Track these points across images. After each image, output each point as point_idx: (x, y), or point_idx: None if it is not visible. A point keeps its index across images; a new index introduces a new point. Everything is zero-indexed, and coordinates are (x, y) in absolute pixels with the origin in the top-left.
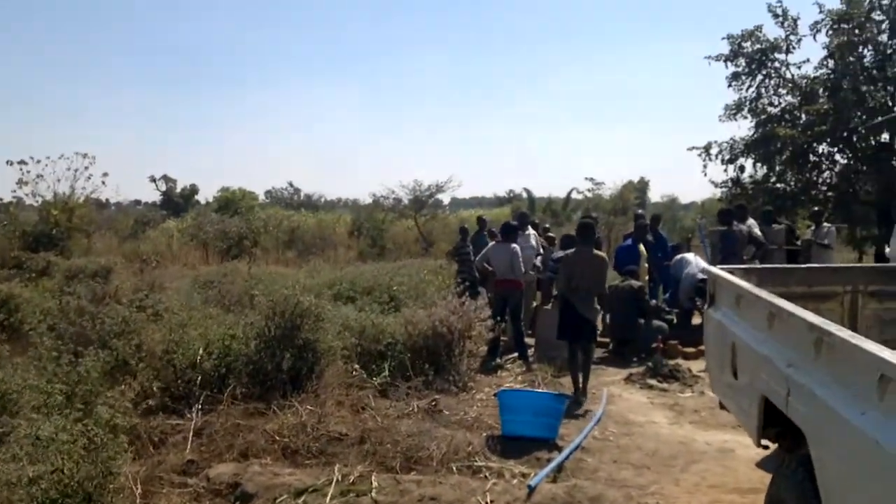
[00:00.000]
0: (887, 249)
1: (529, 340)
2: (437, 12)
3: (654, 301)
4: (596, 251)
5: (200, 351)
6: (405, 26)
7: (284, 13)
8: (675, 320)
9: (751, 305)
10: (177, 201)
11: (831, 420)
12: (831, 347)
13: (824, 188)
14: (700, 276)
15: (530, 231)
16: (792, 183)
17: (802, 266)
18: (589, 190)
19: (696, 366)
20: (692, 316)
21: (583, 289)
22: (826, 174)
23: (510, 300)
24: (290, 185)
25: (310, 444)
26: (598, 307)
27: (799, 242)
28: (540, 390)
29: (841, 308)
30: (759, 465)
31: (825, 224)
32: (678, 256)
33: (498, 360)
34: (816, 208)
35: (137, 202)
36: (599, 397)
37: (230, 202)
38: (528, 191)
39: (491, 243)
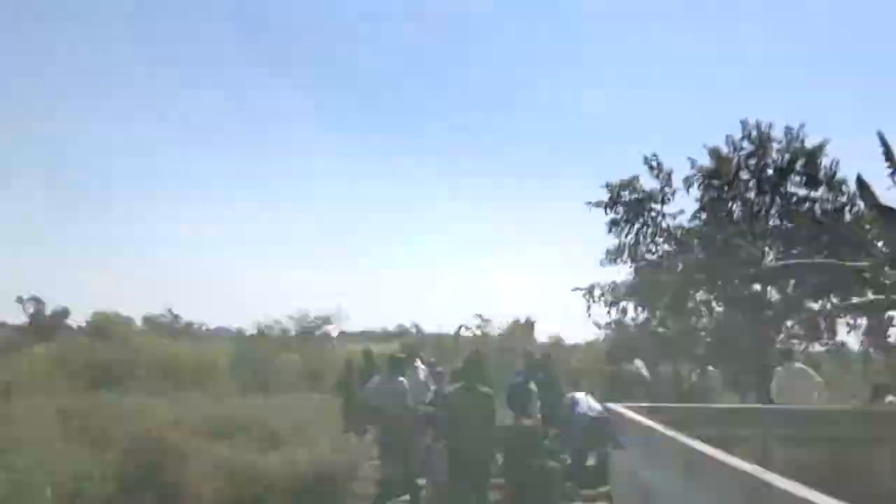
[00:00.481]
0: (772, 393)
1: (422, 481)
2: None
3: (546, 441)
4: (482, 388)
5: (49, 493)
6: (293, 143)
7: (166, 128)
8: (568, 461)
9: (663, 451)
10: (45, 325)
11: None
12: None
13: (703, 334)
14: (591, 413)
15: (419, 363)
16: (672, 328)
17: (713, 406)
18: (478, 327)
19: None
20: (586, 457)
21: (472, 427)
22: (705, 320)
23: (400, 437)
24: (170, 311)
25: None
26: (493, 449)
27: (685, 386)
28: None
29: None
30: None
31: (710, 367)
32: (568, 395)
33: None
34: (701, 352)
35: (2, 324)
36: None
37: (102, 327)
38: (417, 326)
39: (376, 377)
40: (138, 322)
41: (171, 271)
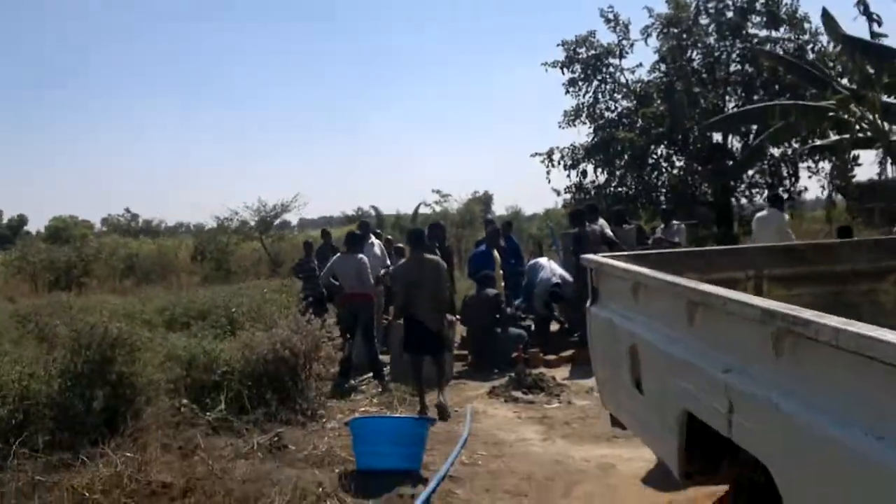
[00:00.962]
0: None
1: (385, 357)
2: (277, 30)
3: (509, 309)
4: (431, 256)
5: None
6: (245, 41)
7: (127, 29)
8: (532, 327)
9: (657, 297)
10: (3, 233)
11: (810, 446)
12: (800, 344)
13: (664, 190)
14: (555, 280)
15: (374, 240)
16: (633, 186)
17: (699, 249)
18: (436, 202)
19: (560, 373)
20: (550, 323)
21: (423, 298)
22: (665, 176)
23: (360, 315)
24: (128, 211)
25: (124, 501)
26: (452, 317)
27: (649, 241)
28: (398, 415)
29: None
30: (644, 481)
31: (674, 222)
32: (531, 262)
33: (351, 382)
34: (665, 207)
35: None
36: (463, 415)
37: (61, 231)
38: (375, 208)
39: (335, 256)
40: (97, 224)
41: (129, 172)
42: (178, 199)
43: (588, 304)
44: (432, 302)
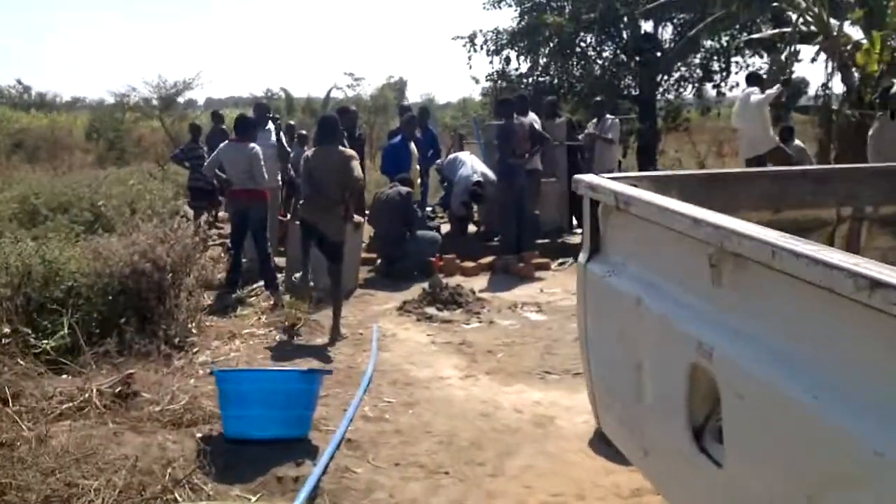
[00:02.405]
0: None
1: (280, 261)
2: None
3: (427, 209)
4: (341, 148)
5: None
6: None
7: None
8: (440, 228)
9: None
10: None
11: None
12: None
13: (590, 80)
14: (475, 178)
15: (270, 127)
16: (556, 76)
17: (759, 171)
18: (349, 86)
19: (478, 283)
20: (467, 224)
21: (322, 196)
22: (591, 67)
23: (251, 215)
24: (19, 82)
25: None
26: (360, 218)
27: (580, 137)
28: (278, 367)
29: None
30: (591, 445)
31: (608, 116)
32: (451, 156)
33: (238, 293)
34: (598, 98)
35: None
36: (368, 341)
37: None
38: (285, 90)
39: (223, 143)
40: None
41: (20, 40)
42: (75, 72)
43: (582, 256)
44: (333, 207)
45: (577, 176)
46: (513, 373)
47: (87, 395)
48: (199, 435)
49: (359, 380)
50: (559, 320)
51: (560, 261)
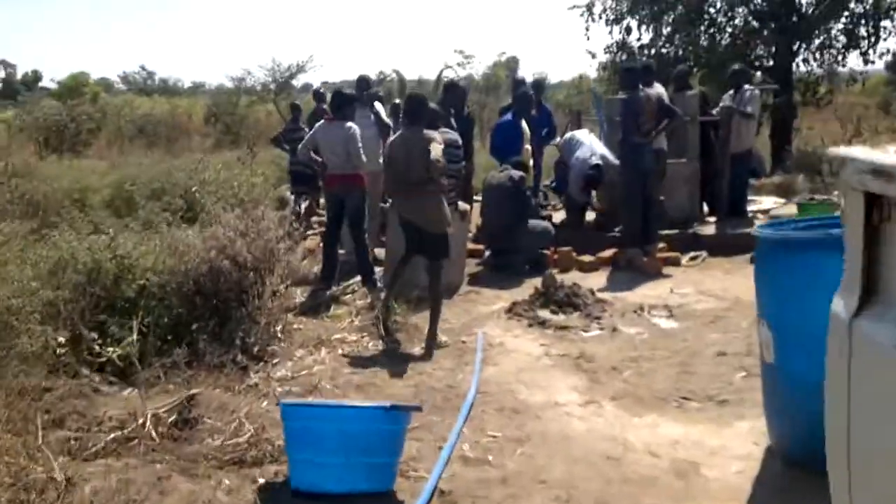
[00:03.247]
0: None
1: (381, 253)
2: None
3: (539, 197)
4: (426, 131)
5: None
6: None
7: None
8: (552, 217)
9: None
10: (17, 88)
11: None
12: None
13: (719, 50)
14: (594, 160)
15: (379, 107)
16: (684, 47)
17: None
18: (459, 64)
19: (597, 281)
20: (584, 212)
21: (409, 184)
22: (721, 35)
23: (348, 203)
24: (143, 68)
25: None
26: (465, 205)
27: (714, 112)
28: (358, 403)
29: None
30: None
31: (746, 87)
32: (568, 135)
33: (333, 289)
34: (737, 66)
35: None
36: (471, 351)
37: (73, 89)
38: (397, 71)
39: (318, 123)
40: (117, 82)
41: (148, 28)
42: (195, 59)
43: (843, 302)
44: (425, 195)
45: (835, 150)
46: (643, 398)
47: (140, 422)
48: (261, 480)
49: (458, 404)
50: (695, 328)
51: (692, 254)
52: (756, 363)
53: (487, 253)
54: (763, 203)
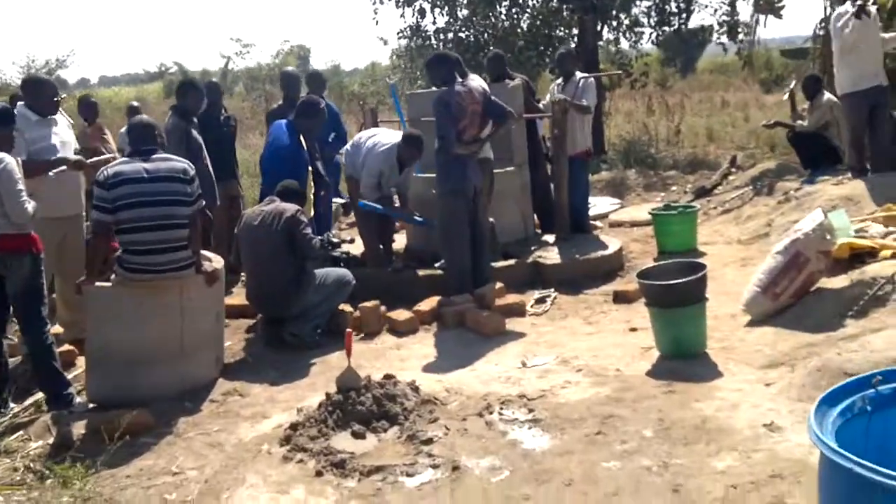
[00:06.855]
0: None
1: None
2: None
3: (330, 234)
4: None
5: None
6: None
7: None
8: (350, 254)
9: None
10: None
11: None
12: None
13: (519, 33)
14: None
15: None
16: (484, 30)
17: None
18: (237, 54)
19: (419, 353)
20: (390, 243)
21: None
22: (521, 17)
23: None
24: None
25: None
26: (208, 264)
27: (543, 105)
28: None
29: None
30: None
31: (579, 74)
32: (357, 136)
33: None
34: (562, 50)
35: None
36: None
37: None
38: (179, 64)
39: None
40: None
41: None
42: None
43: None
44: None
45: None
46: None
47: None
48: None
49: None
50: (575, 447)
51: (536, 295)
52: None
53: (258, 318)
54: (597, 206)
